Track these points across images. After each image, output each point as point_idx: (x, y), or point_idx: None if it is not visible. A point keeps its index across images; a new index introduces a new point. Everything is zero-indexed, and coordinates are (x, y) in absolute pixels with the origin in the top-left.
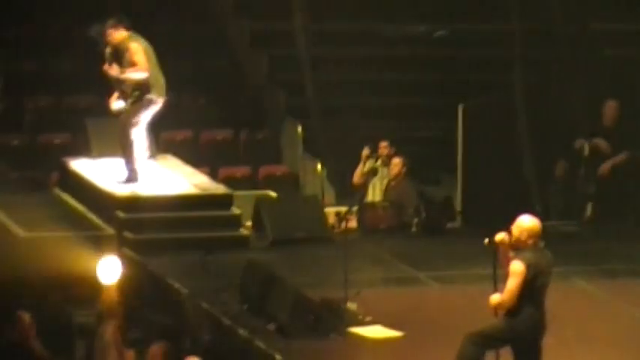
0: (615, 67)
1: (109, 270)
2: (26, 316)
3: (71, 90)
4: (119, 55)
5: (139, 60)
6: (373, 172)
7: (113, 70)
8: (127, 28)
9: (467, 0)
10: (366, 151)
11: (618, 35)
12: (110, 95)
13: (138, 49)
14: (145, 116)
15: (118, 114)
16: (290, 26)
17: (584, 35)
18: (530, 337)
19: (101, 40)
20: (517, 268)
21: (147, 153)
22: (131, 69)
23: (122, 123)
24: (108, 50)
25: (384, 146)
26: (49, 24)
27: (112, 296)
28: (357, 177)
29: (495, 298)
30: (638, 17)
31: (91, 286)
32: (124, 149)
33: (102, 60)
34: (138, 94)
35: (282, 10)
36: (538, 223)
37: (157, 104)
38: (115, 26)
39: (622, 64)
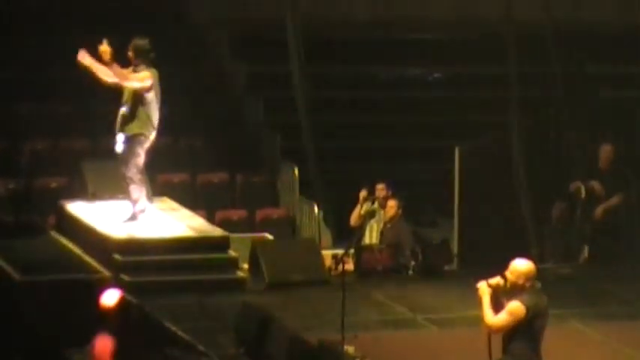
0: (612, 109)
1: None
2: None
3: (67, 133)
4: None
5: (139, 77)
6: (370, 214)
7: (115, 71)
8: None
9: (463, 42)
10: (363, 193)
11: (615, 77)
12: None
13: (145, 76)
14: (142, 153)
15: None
16: (286, 69)
17: (581, 77)
18: None
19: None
20: (516, 309)
21: (148, 201)
22: (132, 76)
23: (126, 164)
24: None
25: (380, 188)
26: (44, 67)
27: (106, 343)
28: (354, 219)
29: (489, 315)
30: (635, 60)
31: (89, 330)
32: (130, 189)
33: (100, 101)
34: (136, 128)
35: (279, 53)
36: (532, 265)
37: (149, 140)
38: (139, 53)
39: (619, 106)
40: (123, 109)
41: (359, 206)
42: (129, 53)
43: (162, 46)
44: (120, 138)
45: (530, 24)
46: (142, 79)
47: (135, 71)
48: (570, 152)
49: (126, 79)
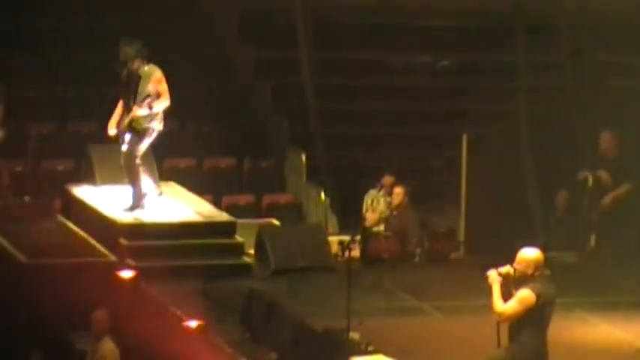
0: (620, 98)
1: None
2: None
3: (74, 116)
4: (132, 79)
5: (164, 90)
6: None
7: (142, 109)
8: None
9: (471, 30)
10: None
11: (623, 66)
12: (110, 119)
13: (162, 78)
14: (147, 144)
15: (117, 137)
16: (294, 55)
17: (590, 66)
18: None
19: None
20: (527, 297)
21: (157, 190)
22: (158, 100)
23: (128, 152)
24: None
25: (387, 179)
26: (51, 50)
27: (104, 315)
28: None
29: (499, 303)
30: None
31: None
32: (131, 177)
33: (107, 85)
34: (147, 122)
35: (287, 39)
36: (540, 253)
37: (156, 132)
38: (140, 53)
39: (627, 95)
40: (139, 112)
41: (370, 209)
42: (129, 59)
43: (172, 32)
44: (127, 137)
45: (540, 11)
46: (164, 94)
47: (137, 70)
48: (579, 141)
49: (153, 106)
